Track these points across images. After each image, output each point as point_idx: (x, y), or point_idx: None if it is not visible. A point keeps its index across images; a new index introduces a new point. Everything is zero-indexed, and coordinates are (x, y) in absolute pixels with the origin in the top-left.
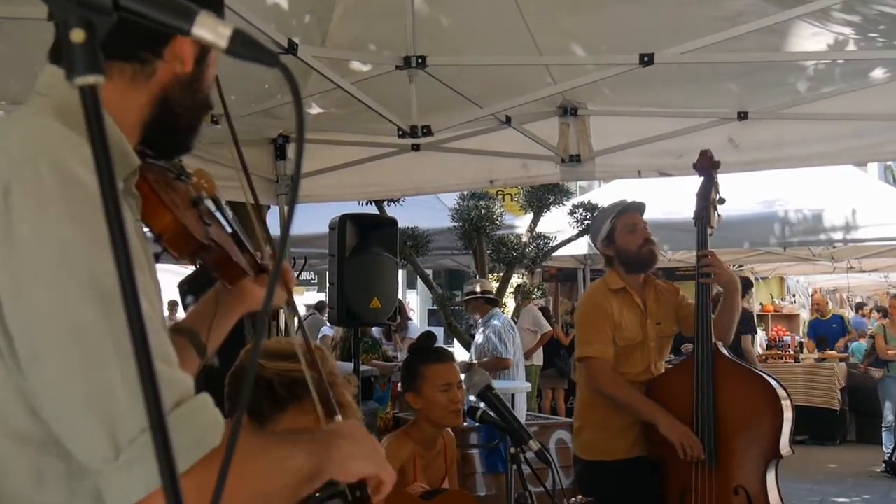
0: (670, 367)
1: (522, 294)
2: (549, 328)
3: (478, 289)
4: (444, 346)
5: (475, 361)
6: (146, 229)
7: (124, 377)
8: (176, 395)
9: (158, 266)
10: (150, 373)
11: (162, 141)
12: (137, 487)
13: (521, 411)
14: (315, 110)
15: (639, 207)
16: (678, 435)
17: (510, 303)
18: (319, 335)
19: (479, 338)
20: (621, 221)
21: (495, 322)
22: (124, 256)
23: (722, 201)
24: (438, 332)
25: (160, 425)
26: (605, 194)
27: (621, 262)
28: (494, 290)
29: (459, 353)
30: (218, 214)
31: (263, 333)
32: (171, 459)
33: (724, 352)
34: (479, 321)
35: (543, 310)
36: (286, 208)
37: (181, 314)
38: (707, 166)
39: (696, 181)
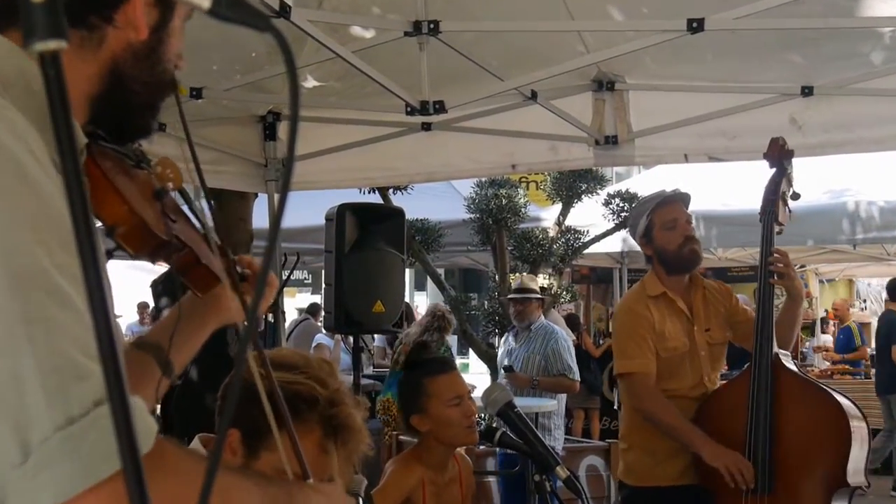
0: (727, 380)
1: (549, 298)
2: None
3: (535, 286)
4: (450, 358)
5: (537, 379)
6: (97, 221)
7: (39, 368)
8: (98, 392)
9: (132, 263)
10: (116, 373)
11: (115, 120)
12: (44, 497)
13: (557, 438)
14: (310, 83)
15: (680, 199)
16: (725, 461)
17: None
18: (314, 343)
19: (520, 348)
20: (659, 216)
21: (560, 333)
22: (88, 241)
23: (796, 196)
24: (451, 340)
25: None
26: (645, 182)
27: (661, 262)
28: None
29: (475, 365)
30: (187, 210)
31: (249, 343)
32: (140, 475)
33: (788, 364)
34: (520, 326)
35: (571, 316)
36: (277, 197)
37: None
38: (778, 156)
39: (751, 166)
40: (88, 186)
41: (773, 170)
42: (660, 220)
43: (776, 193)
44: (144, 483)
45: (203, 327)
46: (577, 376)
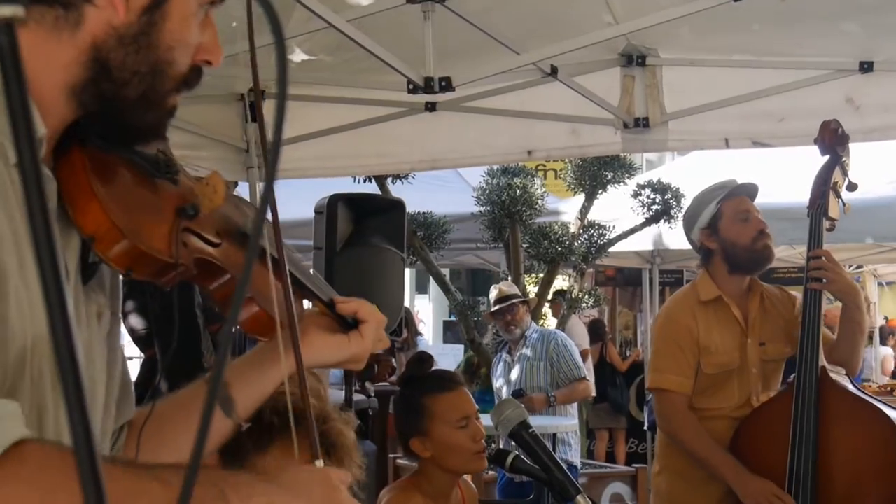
0: (771, 397)
1: (568, 302)
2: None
3: (514, 290)
4: (455, 372)
5: (554, 395)
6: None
7: None
8: None
9: None
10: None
11: (104, 116)
12: None
13: (576, 452)
14: (299, 57)
15: (751, 191)
16: (760, 498)
17: (551, 315)
18: None
19: (518, 361)
20: (730, 206)
21: (557, 332)
22: (46, 243)
23: (852, 187)
24: (457, 350)
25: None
26: (680, 171)
27: (726, 258)
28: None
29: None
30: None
31: (228, 352)
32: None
33: (839, 378)
34: (512, 338)
35: (596, 323)
36: (261, 186)
37: None
38: (830, 141)
39: (802, 153)
40: (67, 187)
41: (825, 157)
42: (731, 210)
43: (826, 184)
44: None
45: (267, 369)
46: (586, 374)
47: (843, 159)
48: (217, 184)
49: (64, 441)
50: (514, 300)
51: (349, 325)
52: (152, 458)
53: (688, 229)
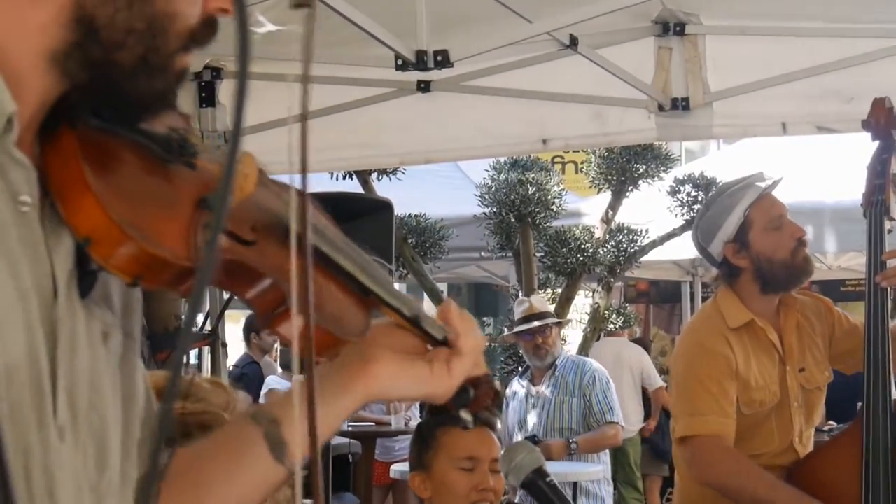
0: (828, 439)
1: (593, 322)
2: (660, 383)
3: (549, 308)
4: (492, 412)
5: (576, 441)
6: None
7: None
8: None
9: None
10: None
11: (97, 88)
12: None
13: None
14: (265, 27)
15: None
16: None
17: (573, 336)
18: (263, 389)
19: (546, 396)
20: (761, 211)
21: (593, 362)
22: None
23: None
24: None
25: None
26: (726, 162)
27: (759, 276)
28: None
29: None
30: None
31: (182, 355)
32: None
33: None
34: (541, 366)
35: (640, 343)
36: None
37: None
38: (884, 123)
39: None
40: (56, 178)
41: (879, 142)
42: (762, 216)
43: (883, 176)
44: None
45: (340, 399)
46: (621, 418)
47: None
48: (248, 167)
49: (56, 494)
50: (548, 320)
51: (437, 341)
52: None
53: (704, 241)
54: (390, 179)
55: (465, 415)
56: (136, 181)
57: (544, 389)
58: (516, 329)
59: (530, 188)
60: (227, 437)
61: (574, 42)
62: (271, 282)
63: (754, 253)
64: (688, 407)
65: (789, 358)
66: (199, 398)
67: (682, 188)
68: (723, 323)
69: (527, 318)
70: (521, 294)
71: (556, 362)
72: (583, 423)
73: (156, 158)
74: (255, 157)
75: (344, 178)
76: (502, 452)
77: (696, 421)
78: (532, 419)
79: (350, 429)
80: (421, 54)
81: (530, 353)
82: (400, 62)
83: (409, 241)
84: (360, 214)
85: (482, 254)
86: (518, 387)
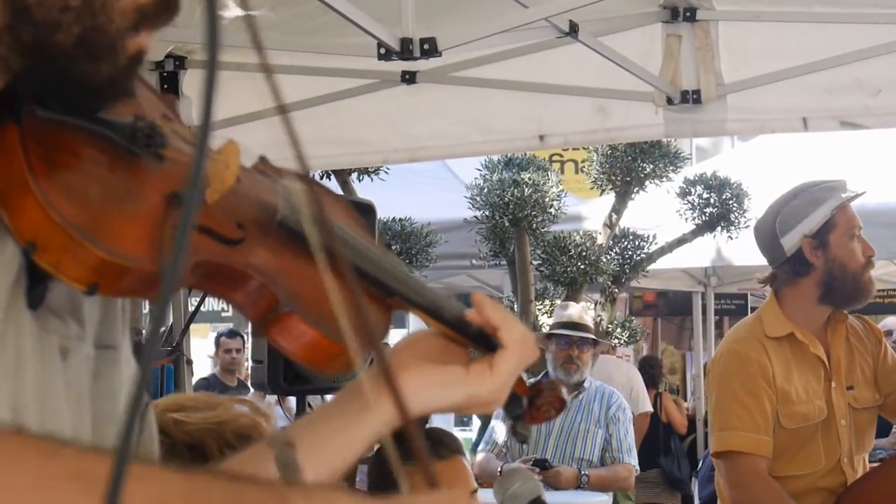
0: (877, 463)
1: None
2: (645, 409)
3: (591, 323)
4: (451, 436)
5: (587, 473)
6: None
7: None
8: None
9: None
10: None
11: (35, 74)
12: None
13: None
14: (234, 11)
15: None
16: None
17: None
18: None
19: (565, 419)
20: (845, 217)
21: (616, 393)
22: None
23: None
24: None
25: None
26: (741, 161)
27: (824, 282)
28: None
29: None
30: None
31: (151, 359)
32: None
33: None
34: (568, 383)
35: (648, 362)
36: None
37: None
38: None
39: None
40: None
41: None
42: (845, 222)
43: None
44: None
45: (366, 419)
46: (636, 461)
47: None
48: (229, 156)
49: None
50: (586, 334)
51: (488, 346)
52: None
53: (781, 229)
54: (372, 180)
55: (522, 429)
56: (91, 178)
57: (567, 413)
58: (554, 331)
59: (526, 189)
60: (239, 461)
61: (574, 29)
62: (262, 283)
63: (831, 255)
64: (721, 421)
65: (836, 374)
66: (227, 408)
67: (692, 190)
68: (761, 332)
69: (568, 325)
70: (516, 306)
71: (584, 384)
72: (606, 460)
73: (118, 151)
74: (239, 144)
75: (321, 178)
76: (499, 477)
77: (728, 436)
78: (544, 441)
79: None
80: (406, 42)
81: (558, 364)
82: (383, 51)
83: (393, 247)
84: None
85: (473, 262)
86: None
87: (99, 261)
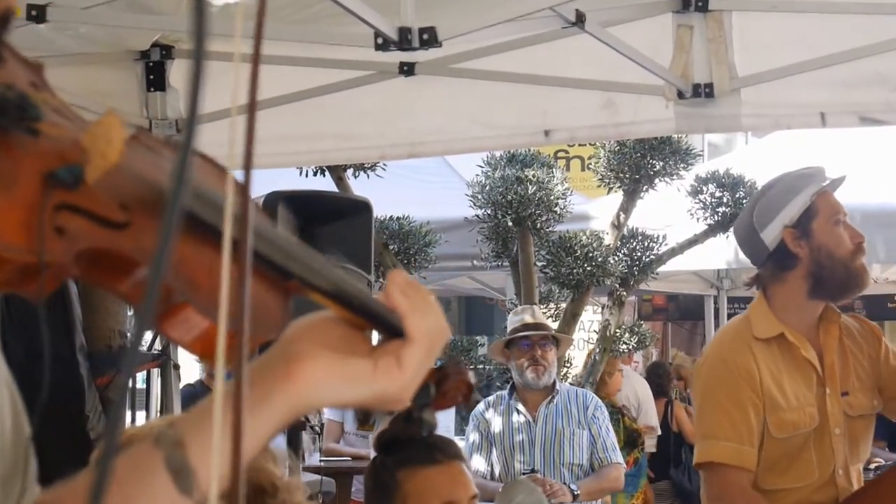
0: (878, 475)
1: (603, 342)
2: (651, 423)
3: (542, 319)
4: (447, 441)
5: (577, 486)
6: None
7: None
8: None
9: None
10: None
11: None
12: None
13: None
14: (221, 0)
15: (837, 188)
16: None
17: (578, 357)
18: None
19: (543, 424)
20: (826, 202)
21: (590, 393)
22: None
23: None
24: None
25: None
26: (757, 158)
27: (812, 273)
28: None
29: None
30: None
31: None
32: None
33: None
34: (538, 385)
35: (657, 368)
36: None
37: None
38: None
39: None
40: None
41: None
42: (827, 207)
43: None
44: None
45: (258, 413)
46: (622, 458)
47: None
48: (111, 129)
49: None
50: (546, 332)
51: (395, 332)
52: None
53: (759, 224)
54: (368, 176)
55: (428, 416)
56: None
57: (542, 417)
58: (513, 335)
59: (530, 187)
60: (124, 465)
61: (581, 19)
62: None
63: (816, 243)
64: (704, 429)
65: (830, 379)
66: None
67: (704, 188)
68: (749, 333)
69: (522, 328)
70: (518, 304)
71: (557, 386)
72: (593, 464)
73: None
74: (118, 114)
75: (315, 174)
76: (499, 491)
77: (709, 446)
78: (529, 450)
79: (322, 464)
80: (404, 32)
81: (524, 370)
82: (380, 41)
83: (391, 247)
84: (335, 217)
85: (475, 262)
86: (506, 408)
87: None
